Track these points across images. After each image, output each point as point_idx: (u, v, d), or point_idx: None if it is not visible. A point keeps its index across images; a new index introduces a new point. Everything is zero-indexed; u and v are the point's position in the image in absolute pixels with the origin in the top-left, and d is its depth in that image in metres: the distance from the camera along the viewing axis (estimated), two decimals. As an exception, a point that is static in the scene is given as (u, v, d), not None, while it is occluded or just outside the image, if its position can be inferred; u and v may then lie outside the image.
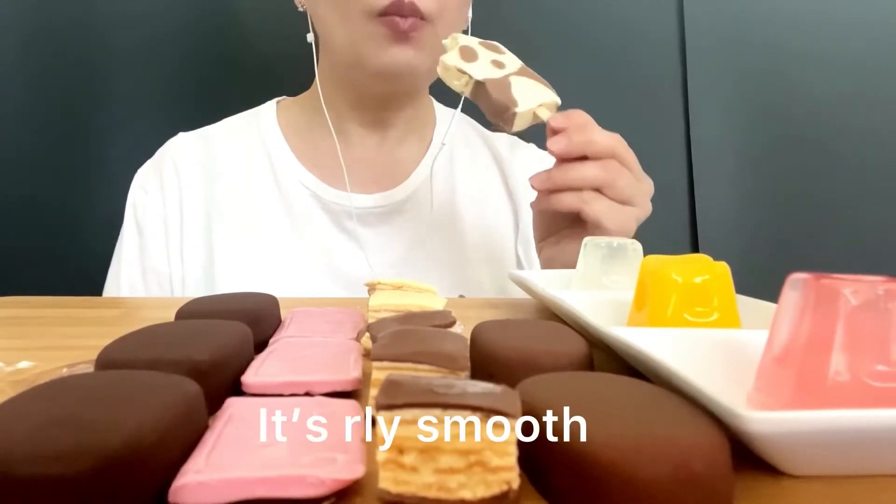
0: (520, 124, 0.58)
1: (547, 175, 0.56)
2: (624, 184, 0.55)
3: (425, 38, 0.65)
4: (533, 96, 0.57)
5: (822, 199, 1.01)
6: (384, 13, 0.62)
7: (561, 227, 0.61)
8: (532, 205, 0.61)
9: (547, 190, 0.57)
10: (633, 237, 0.55)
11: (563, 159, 0.56)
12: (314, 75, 0.75)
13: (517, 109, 0.56)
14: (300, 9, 0.73)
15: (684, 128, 1.00)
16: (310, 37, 0.71)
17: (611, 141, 0.55)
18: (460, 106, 0.73)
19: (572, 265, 0.58)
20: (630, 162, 0.56)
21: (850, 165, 1.01)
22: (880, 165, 1.01)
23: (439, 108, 0.81)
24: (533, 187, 0.58)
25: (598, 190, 0.55)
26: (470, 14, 0.73)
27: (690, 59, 1.00)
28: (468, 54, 0.58)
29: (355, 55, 0.66)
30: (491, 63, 0.59)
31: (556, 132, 0.56)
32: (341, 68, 0.70)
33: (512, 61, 0.60)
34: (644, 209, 0.58)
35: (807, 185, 1.01)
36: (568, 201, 0.55)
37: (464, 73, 0.57)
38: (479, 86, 0.57)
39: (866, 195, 1.01)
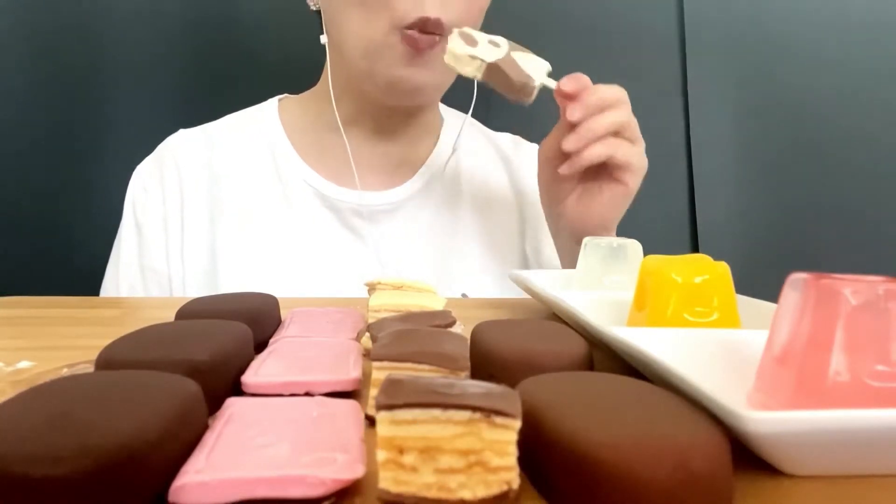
0: (534, 94, 0.61)
1: (576, 135, 0.59)
2: (634, 124, 0.61)
3: (439, 55, 0.65)
4: (536, 68, 0.61)
5: (822, 199, 1.01)
6: (409, 27, 0.62)
7: (573, 187, 0.64)
8: (560, 170, 0.62)
9: (577, 149, 0.60)
10: (633, 238, 0.55)
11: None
12: (318, 74, 0.75)
13: (536, 84, 0.60)
14: (313, 7, 0.72)
15: (684, 128, 1.00)
16: (323, 38, 0.70)
17: (616, 91, 0.60)
18: (471, 111, 0.73)
19: (606, 215, 0.63)
20: (629, 104, 0.61)
21: (851, 165, 1.01)
22: (880, 165, 1.01)
23: (445, 109, 0.81)
24: (568, 151, 0.60)
25: (616, 135, 0.59)
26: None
27: (690, 59, 0.99)
28: (468, 40, 0.61)
29: (368, 66, 0.66)
30: (489, 43, 0.61)
31: (566, 97, 0.59)
32: (352, 76, 0.69)
33: (501, 39, 0.63)
34: (643, 143, 0.62)
35: (807, 185, 1.01)
36: (598, 151, 0.59)
37: (475, 58, 0.60)
38: (492, 67, 0.60)
39: (866, 195, 1.01)
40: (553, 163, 0.62)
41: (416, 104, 0.72)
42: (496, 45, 0.61)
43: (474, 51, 0.60)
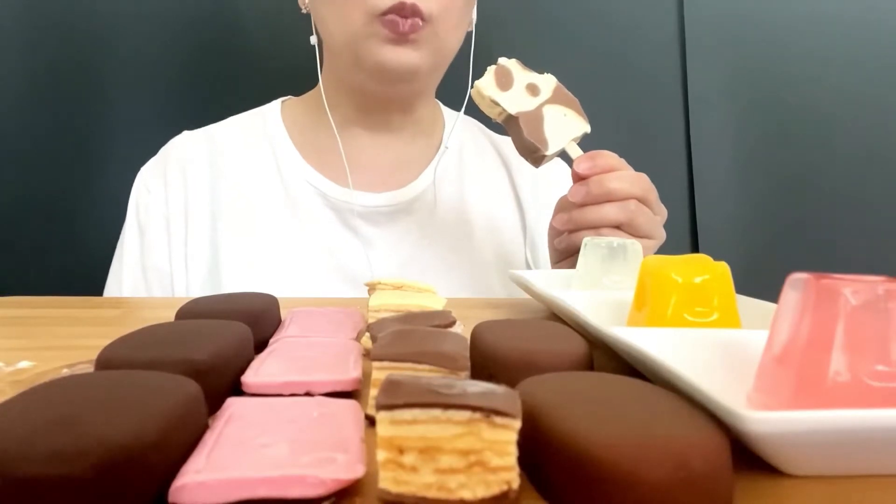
0: (547, 162, 0.59)
1: (568, 217, 0.58)
2: (642, 221, 0.56)
3: (425, 39, 0.65)
4: (563, 132, 0.58)
5: (822, 200, 1.01)
6: (385, 13, 0.62)
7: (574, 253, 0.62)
8: (555, 244, 0.62)
9: (567, 230, 0.58)
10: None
11: None
12: (318, 76, 0.75)
13: (547, 153, 0.57)
14: (303, 10, 0.72)
15: (684, 128, 1.00)
16: (313, 39, 0.71)
17: (630, 188, 0.56)
18: (463, 108, 0.73)
19: None
20: (650, 200, 0.57)
21: (851, 166, 1.01)
22: (881, 165, 1.01)
23: (447, 112, 0.81)
24: (555, 228, 0.60)
25: (617, 227, 0.56)
26: (475, 15, 0.72)
27: (690, 59, 0.99)
28: (503, 77, 0.58)
29: (354, 54, 0.66)
30: (526, 88, 0.58)
31: (576, 177, 0.57)
32: (342, 69, 0.70)
33: (547, 83, 0.59)
34: (660, 239, 0.60)
35: (807, 185, 1.01)
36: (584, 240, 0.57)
37: (497, 104, 0.57)
38: (512, 118, 0.58)
39: (867, 196, 1.01)
40: (563, 218, 0.60)
41: (406, 89, 0.71)
42: (535, 90, 0.58)
43: (500, 96, 0.57)
